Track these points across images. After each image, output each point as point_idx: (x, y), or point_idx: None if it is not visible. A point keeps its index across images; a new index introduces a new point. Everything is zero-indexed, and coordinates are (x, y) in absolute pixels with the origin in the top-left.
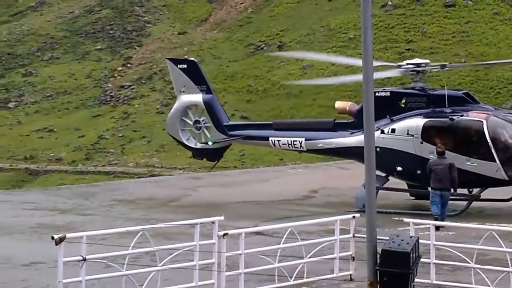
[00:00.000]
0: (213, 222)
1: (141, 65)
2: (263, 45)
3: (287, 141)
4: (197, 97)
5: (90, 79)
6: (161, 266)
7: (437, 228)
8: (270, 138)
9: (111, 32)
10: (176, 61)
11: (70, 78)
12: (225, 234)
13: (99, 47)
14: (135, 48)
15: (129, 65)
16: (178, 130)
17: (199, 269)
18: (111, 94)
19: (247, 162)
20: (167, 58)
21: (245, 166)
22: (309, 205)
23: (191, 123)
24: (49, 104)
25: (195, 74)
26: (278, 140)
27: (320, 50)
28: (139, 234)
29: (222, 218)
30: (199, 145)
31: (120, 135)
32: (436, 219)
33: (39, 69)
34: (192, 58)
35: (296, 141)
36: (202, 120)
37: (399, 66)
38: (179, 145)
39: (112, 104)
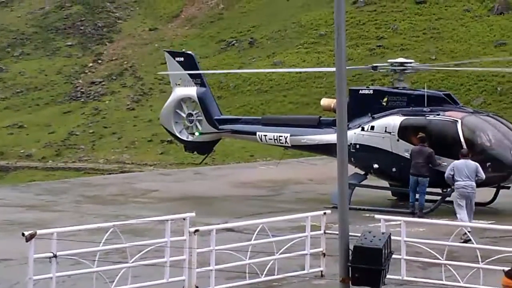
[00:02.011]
0: (184, 219)
1: (112, 61)
2: (234, 41)
3: (273, 136)
4: (191, 90)
5: (61, 75)
6: (132, 262)
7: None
8: (258, 133)
9: (82, 28)
10: (173, 54)
11: (40, 74)
12: (196, 231)
13: (69, 43)
14: (106, 44)
15: (100, 61)
16: (171, 122)
17: (170, 266)
18: (81, 90)
19: (218, 159)
20: (166, 51)
21: (216, 163)
22: (280, 201)
23: (184, 115)
24: (20, 100)
25: (191, 67)
26: (265, 135)
27: (291, 46)
28: (110, 231)
29: (193, 214)
30: (190, 138)
31: (91, 131)
32: (412, 206)
33: (9, 65)
34: (190, 52)
35: (281, 136)
36: (195, 113)
37: (375, 68)
38: (173, 138)
39: (82, 100)
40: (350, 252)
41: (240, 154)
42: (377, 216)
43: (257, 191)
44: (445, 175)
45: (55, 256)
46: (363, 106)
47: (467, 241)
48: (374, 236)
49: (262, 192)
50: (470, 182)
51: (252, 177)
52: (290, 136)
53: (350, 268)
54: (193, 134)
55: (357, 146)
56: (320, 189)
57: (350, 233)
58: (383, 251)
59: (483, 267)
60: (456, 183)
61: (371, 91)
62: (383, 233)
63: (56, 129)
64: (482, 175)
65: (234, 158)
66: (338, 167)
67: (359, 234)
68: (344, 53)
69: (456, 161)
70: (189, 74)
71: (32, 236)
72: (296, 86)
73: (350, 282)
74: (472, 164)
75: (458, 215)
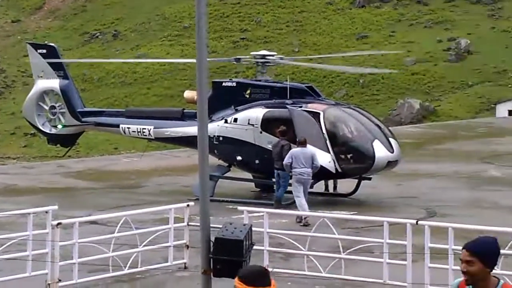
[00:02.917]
0: (46, 212)
1: None
2: (98, 34)
3: (137, 128)
4: (54, 83)
5: None
6: None
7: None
8: (121, 126)
9: None
10: (36, 46)
11: None
12: (58, 224)
13: None
14: None
15: None
16: (34, 115)
17: (32, 260)
18: None
19: (82, 151)
20: (28, 43)
21: (80, 155)
22: (144, 193)
23: (47, 108)
24: None
25: (53, 59)
26: (128, 128)
27: (155, 39)
28: None
29: (55, 207)
30: (53, 131)
31: None
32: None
33: None
34: (52, 44)
35: (145, 129)
36: (58, 106)
37: (238, 60)
38: (35, 130)
39: None
40: (212, 244)
41: (104, 146)
42: (240, 207)
43: (121, 183)
44: (284, 162)
45: None
46: (226, 98)
47: (306, 225)
48: (235, 228)
49: (126, 184)
50: (306, 169)
51: (116, 170)
52: (154, 128)
53: (211, 259)
54: (56, 126)
55: (221, 139)
56: (183, 181)
57: (212, 225)
58: (244, 242)
59: (345, 257)
60: (293, 170)
61: (234, 84)
62: (244, 225)
63: None
64: (318, 163)
65: (98, 151)
66: (199, 159)
67: (221, 226)
68: (204, 45)
69: (294, 149)
70: (51, 66)
71: None
72: (160, 79)
73: (212, 274)
74: (308, 152)
75: (296, 201)
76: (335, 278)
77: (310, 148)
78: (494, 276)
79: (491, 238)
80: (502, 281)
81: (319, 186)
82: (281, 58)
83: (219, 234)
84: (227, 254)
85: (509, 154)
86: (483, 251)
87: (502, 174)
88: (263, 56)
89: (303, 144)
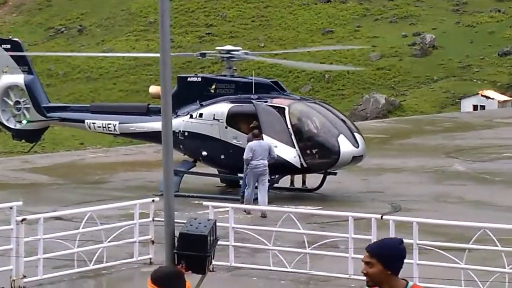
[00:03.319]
0: (11, 208)
1: None
2: (63, 29)
3: (102, 124)
4: (19, 78)
5: None
6: None
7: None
8: (86, 121)
9: None
10: (0, 41)
11: None
12: (23, 220)
13: None
14: None
15: None
16: None
17: None
18: None
19: (47, 147)
20: None
21: (46, 151)
22: (109, 189)
23: (11, 103)
24: None
25: (18, 54)
26: (94, 123)
27: (121, 34)
28: None
29: (20, 203)
30: (18, 126)
31: None
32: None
33: None
34: (17, 39)
35: (110, 124)
36: (23, 101)
37: (203, 55)
38: (0, 126)
39: None
40: (176, 239)
41: (70, 142)
42: (205, 203)
43: (87, 179)
44: (244, 156)
45: None
46: (191, 93)
47: (249, 213)
48: (199, 223)
49: (91, 180)
50: (263, 161)
51: (82, 165)
52: (119, 124)
53: (176, 255)
54: (21, 122)
55: (186, 134)
56: (149, 176)
57: (177, 220)
58: (209, 237)
59: (310, 252)
60: (250, 162)
61: (199, 79)
62: (208, 220)
63: None
64: (274, 154)
65: (64, 146)
66: (163, 154)
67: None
68: (168, 39)
69: (251, 143)
70: (16, 62)
71: None
72: (126, 74)
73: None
74: (264, 144)
75: (245, 192)
76: (301, 272)
77: (265, 140)
78: (403, 279)
79: (396, 240)
80: (411, 283)
81: (285, 181)
82: (246, 53)
83: (184, 230)
84: (191, 250)
85: (473, 148)
86: (383, 253)
87: (466, 168)
88: (228, 51)
89: (258, 137)
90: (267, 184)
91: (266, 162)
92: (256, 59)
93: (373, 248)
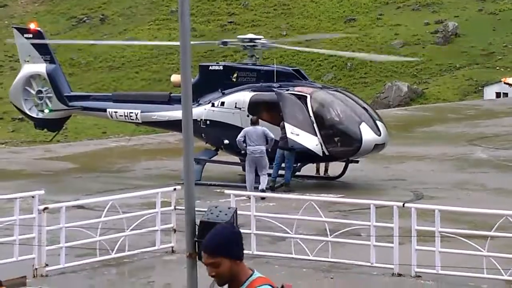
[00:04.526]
0: (33, 196)
1: None
2: (86, 18)
3: (124, 112)
4: (41, 67)
5: None
6: None
7: (262, 197)
8: (108, 110)
9: None
10: (22, 30)
11: None
12: (45, 208)
13: None
14: None
15: None
16: (21, 99)
17: (19, 244)
18: None
19: (70, 136)
20: (14, 27)
21: (68, 140)
22: (131, 178)
23: (34, 92)
24: None
25: (40, 43)
26: (115, 112)
27: (143, 23)
28: None
29: (42, 192)
30: (40, 115)
31: None
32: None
33: None
34: (38, 28)
35: (132, 113)
36: (45, 90)
37: (225, 43)
38: (23, 115)
39: None
40: (197, 227)
41: (93, 131)
42: (227, 191)
43: (109, 168)
44: (237, 139)
45: None
46: (213, 82)
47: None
48: (220, 211)
49: (113, 168)
50: (259, 146)
51: (104, 154)
52: (141, 112)
53: (196, 243)
54: (43, 111)
55: (208, 122)
56: (171, 165)
57: (198, 208)
58: None
59: (332, 240)
60: (247, 148)
61: (221, 67)
62: (229, 208)
63: None
64: (271, 136)
65: (87, 135)
66: (184, 142)
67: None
68: (188, 27)
69: (247, 128)
70: (38, 51)
71: None
72: (148, 63)
73: (197, 257)
74: (259, 129)
75: (246, 176)
76: (322, 260)
77: (261, 126)
78: (250, 268)
79: (224, 227)
80: (257, 273)
81: (309, 169)
82: (264, 45)
83: (204, 218)
84: None
85: (496, 136)
86: (224, 245)
87: (489, 156)
88: (251, 40)
89: (255, 123)
90: (267, 173)
91: (263, 148)
92: (278, 47)
93: (211, 247)
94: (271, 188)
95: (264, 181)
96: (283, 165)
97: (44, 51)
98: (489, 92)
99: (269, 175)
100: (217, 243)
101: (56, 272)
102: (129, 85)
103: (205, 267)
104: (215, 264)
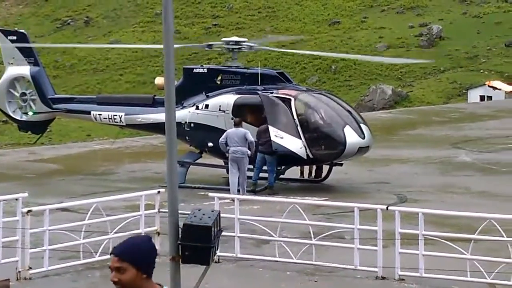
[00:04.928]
0: (16, 199)
1: None
2: (70, 20)
3: (108, 115)
4: (25, 69)
5: None
6: None
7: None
8: (92, 112)
9: None
10: (6, 33)
11: None
12: (29, 211)
13: None
14: None
15: None
16: (5, 102)
17: (2, 247)
18: None
19: (54, 138)
20: None
21: (52, 143)
22: (115, 180)
23: (17, 95)
24: None
25: (24, 46)
26: (100, 114)
27: (128, 25)
28: None
29: (25, 194)
30: (24, 118)
31: None
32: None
33: None
34: (22, 30)
35: (116, 115)
36: (29, 93)
37: (210, 46)
38: (6, 117)
39: None
40: (180, 230)
41: (77, 133)
42: (211, 194)
43: (92, 170)
44: (219, 141)
45: None
46: (197, 84)
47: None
48: (203, 214)
49: (97, 171)
50: (240, 147)
51: (88, 156)
52: (125, 115)
53: (180, 246)
54: (27, 113)
55: (192, 125)
56: (155, 167)
57: (181, 211)
58: (212, 228)
59: (316, 243)
60: (229, 149)
61: (205, 70)
62: (212, 211)
63: None
64: (251, 138)
65: (71, 138)
66: (167, 145)
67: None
68: (171, 29)
69: (229, 130)
70: (22, 53)
71: None
72: (133, 66)
73: (180, 260)
74: (241, 131)
75: (229, 179)
76: (306, 263)
77: (244, 129)
78: (158, 284)
79: (144, 239)
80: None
81: (294, 172)
82: (251, 47)
83: (187, 221)
84: (195, 240)
85: (480, 139)
86: (136, 255)
87: (473, 159)
88: (235, 42)
89: (237, 124)
90: (246, 175)
91: (243, 149)
92: (263, 49)
93: (122, 251)
94: (253, 191)
95: (243, 183)
96: (264, 167)
97: (28, 53)
98: (473, 95)
99: (249, 178)
100: (128, 248)
101: (39, 275)
102: (114, 87)
103: (188, 270)
104: (120, 269)
